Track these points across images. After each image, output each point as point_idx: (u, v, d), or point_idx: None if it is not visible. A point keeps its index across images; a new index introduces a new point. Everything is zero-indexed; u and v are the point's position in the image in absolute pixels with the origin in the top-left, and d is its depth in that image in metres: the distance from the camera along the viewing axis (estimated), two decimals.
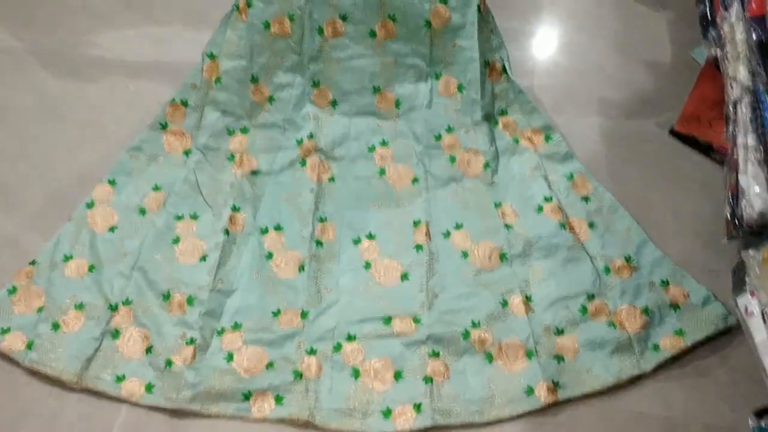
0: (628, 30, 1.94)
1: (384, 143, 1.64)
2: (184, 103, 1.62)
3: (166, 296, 1.39)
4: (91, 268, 1.41)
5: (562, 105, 1.76)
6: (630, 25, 1.95)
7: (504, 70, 1.65)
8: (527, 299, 1.41)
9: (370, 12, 1.57)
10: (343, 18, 1.57)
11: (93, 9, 1.91)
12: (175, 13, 1.91)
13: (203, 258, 1.45)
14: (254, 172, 1.58)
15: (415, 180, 1.59)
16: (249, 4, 1.55)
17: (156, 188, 1.54)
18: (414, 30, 1.59)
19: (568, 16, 1.99)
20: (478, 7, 1.56)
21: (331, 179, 1.59)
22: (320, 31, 1.58)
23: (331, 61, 1.62)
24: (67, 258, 1.42)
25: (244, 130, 1.62)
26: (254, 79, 1.61)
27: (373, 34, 1.60)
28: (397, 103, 1.65)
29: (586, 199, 1.55)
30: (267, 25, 1.57)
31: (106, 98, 1.73)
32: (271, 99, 1.63)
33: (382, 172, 1.60)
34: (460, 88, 1.63)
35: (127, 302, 1.38)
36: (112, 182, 1.54)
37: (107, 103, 1.72)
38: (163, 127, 1.61)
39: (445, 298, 1.41)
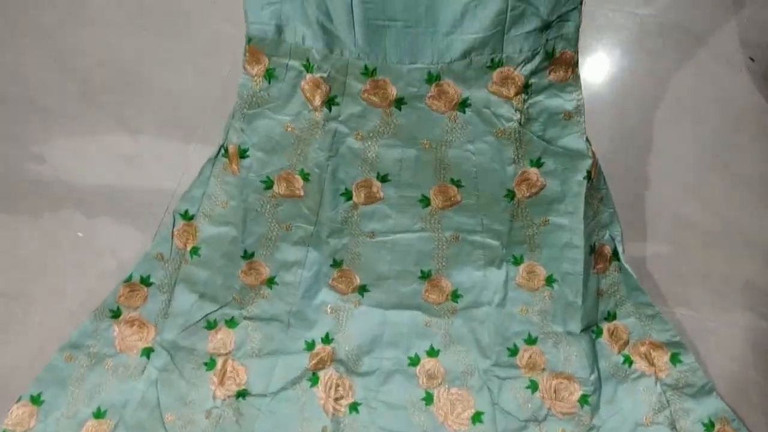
0: None
1: (433, 352, 1.13)
2: (146, 282, 1.11)
3: None
4: None
5: (684, 290, 1.22)
6: None
7: (615, 255, 1.12)
8: None
9: (423, 174, 1.04)
10: (383, 179, 1.05)
11: (40, 103, 1.39)
12: (152, 118, 1.39)
13: None
14: (241, 394, 1.08)
15: (476, 417, 1.08)
16: (243, 154, 1.03)
17: (98, 414, 1.05)
18: (489, 201, 1.06)
19: (690, 140, 1.40)
20: (588, 172, 1.02)
21: (354, 408, 1.08)
22: (347, 195, 1.07)
23: (362, 234, 1.10)
24: None
25: (231, 323, 1.12)
26: (247, 255, 1.11)
27: (425, 201, 1.08)
28: (455, 295, 1.13)
29: None
30: (268, 183, 1.06)
31: (42, 253, 1.24)
32: (270, 282, 1.13)
33: (429, 399, 1.09)
34: (549, 281, 1.11)
35: None
36: (36, 400, 1.05)
37: (44, 262, 1.22)
38: (115, 314, 1.11)
39: None
